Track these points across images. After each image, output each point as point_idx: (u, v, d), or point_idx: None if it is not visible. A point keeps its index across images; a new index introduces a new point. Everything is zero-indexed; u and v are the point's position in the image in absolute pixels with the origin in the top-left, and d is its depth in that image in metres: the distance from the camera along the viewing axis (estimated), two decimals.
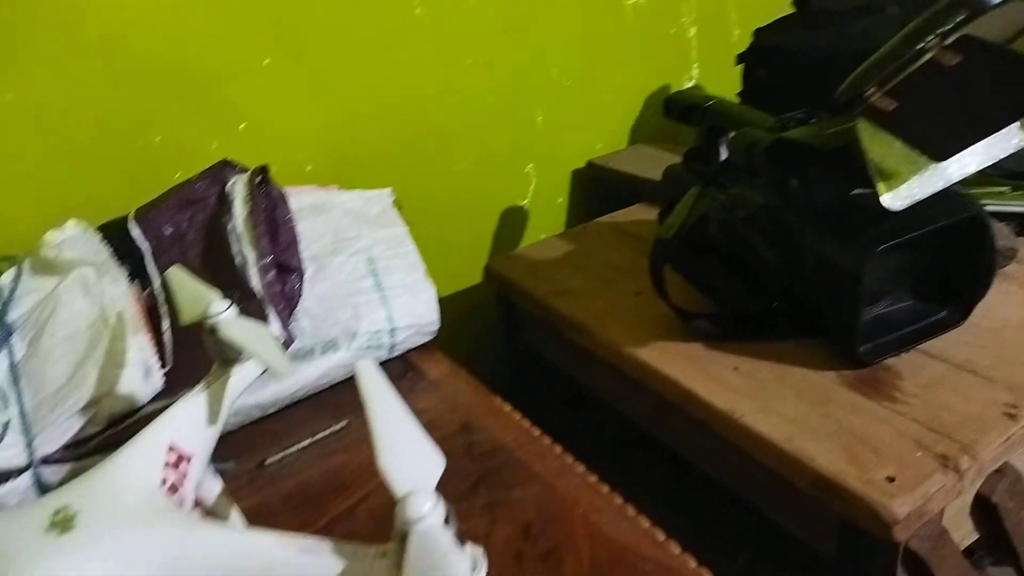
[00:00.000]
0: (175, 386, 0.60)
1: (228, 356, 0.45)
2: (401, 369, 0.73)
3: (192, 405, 0.42)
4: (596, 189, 1.14)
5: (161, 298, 0.66)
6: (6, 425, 0.58)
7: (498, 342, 1.02)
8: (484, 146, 1.03)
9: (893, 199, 0.54)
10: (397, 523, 0.28)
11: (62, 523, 0.32)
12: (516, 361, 0.99)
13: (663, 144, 1.14)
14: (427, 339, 0.75)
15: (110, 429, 0.59)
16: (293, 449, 0.63)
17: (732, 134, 0.66)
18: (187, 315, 0.46)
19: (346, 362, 0.69)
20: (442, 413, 0.66)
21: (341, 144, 0.92)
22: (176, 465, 0.38)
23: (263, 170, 0.70)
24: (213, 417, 0.43)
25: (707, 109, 0.74)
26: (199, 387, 0.44)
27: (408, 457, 0.31)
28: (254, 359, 0.44)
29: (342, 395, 0.70)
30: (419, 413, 0.74)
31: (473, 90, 1.00)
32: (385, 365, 0.73)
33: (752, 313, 0.67)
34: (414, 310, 0.72)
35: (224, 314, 0.44)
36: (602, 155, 1.12)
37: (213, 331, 0.43)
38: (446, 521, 0.28)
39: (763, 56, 0.95)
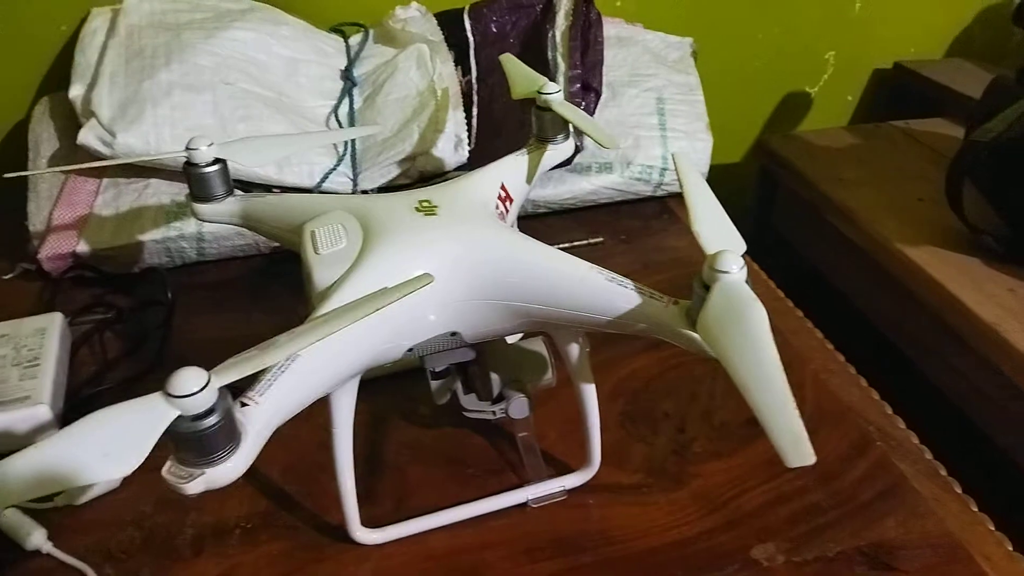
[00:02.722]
0: (474, 164, 0.69)
1: (547, 135, 0.51)
2: (658, 209, 0.77)
3: (517, 161, 0.49)
4: (894, 93, 1.06)
5: (476, 87, 0.74)
6: (341, 157, 0.70)
7: (741, 222, 1.03)
8: (792, 21, 0.99)
9: None
10: (704, 274, 0.32)
11: (426, 209, 0.41)
12: (758, 242, 1.00)
13: (983, 63, 1.03)
14: None
15: (419, 184, 0.69)
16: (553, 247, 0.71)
17: None
18: (520, 91, 0.53)
19: (616, 185, 0.74)
20: (692, 254, 0.69)
21: None
22: (503, 201, 0.45)
23: None
24: (529, 177, 0.49)
25: None
26: (521, 151, 0.50)
27: (718, 227, 0.36)
28: (584, 131, 0.49)
29: (601, 216, 0.76)
30: (671, 250, 0.77)
31: None
32: (647, 201, 0.78)
33: None
34: (688, 156, 0.75)
35: (557, 94, 0.50)
36: (913, 59, 1.04)
37: (546, 107, 0.49)
38: None
39: None
